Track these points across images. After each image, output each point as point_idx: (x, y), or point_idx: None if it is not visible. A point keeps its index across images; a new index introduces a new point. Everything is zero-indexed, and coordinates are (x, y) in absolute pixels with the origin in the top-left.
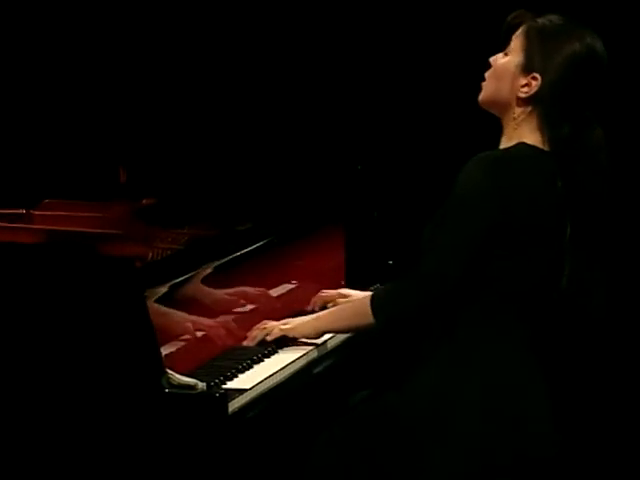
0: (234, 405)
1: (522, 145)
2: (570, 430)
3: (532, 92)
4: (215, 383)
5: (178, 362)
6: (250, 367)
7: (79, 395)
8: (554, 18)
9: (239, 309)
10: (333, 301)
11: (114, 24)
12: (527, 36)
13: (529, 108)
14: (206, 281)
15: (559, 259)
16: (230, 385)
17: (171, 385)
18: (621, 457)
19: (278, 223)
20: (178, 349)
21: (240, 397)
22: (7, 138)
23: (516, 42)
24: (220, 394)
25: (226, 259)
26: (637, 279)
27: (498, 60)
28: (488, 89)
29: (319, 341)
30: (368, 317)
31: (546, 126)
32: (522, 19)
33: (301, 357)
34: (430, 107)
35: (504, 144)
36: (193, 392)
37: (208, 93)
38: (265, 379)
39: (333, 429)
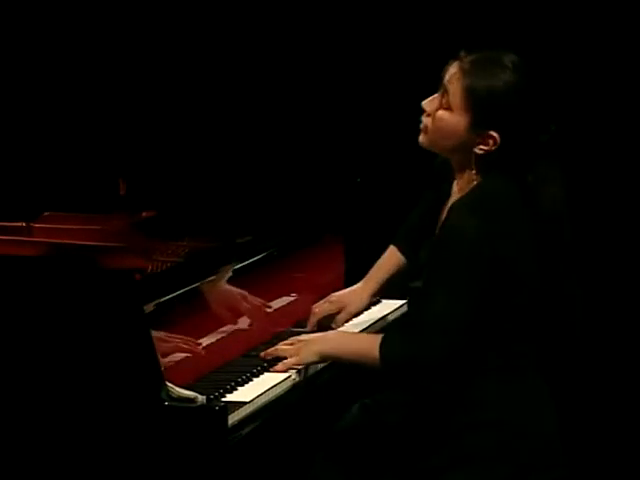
0: (234, 418)
1: (488, 182)
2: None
3: (490, 148)
4: (215, 396)
5: (178, 375)
6: (249, 380)
7: (79, 407)
8: (477, 58)
9: (239, 321)
10: (326, 315)
11: (115, 36)
12: (470, 94)
13: (488, 160)
14: (206, 293)
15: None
16: (230, 398)
17: (171, 398)
18: (622, 464)
19: (278, 235)
20: (178, 362)
21: (240, 410)
22: (7, 151)
23: (455, 98)
24: (220, 407)
25: (226, 272)
26: (637, 279)
27: (440, 114)
28: (433, 141)
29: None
30: (375, 361)
31: (508, 169)
32: (456, 64)
33: (301, 370)
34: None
35: (466, 186)
36: (193, 405)
37: (208, 106)
38: (264, 392)
39: (332, 443)
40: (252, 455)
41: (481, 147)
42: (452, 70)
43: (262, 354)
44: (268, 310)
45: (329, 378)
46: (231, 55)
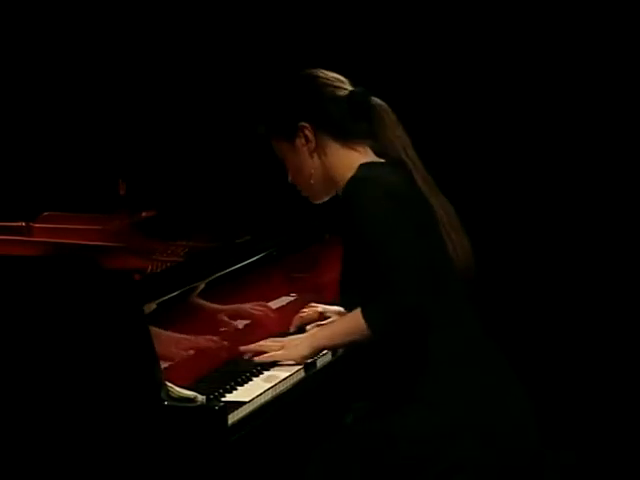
0: (233, 418)
1: (362, 166)
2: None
3: (312, 136)
4: (214, 396)
5: (177, 375)
6: (249, 380)
7: (79, 407)
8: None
9: (238, 321)
10: (311, 321)
11: (115, 37)
12: (267, 130)
13: (326, 147)
14: (205, 293)
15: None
16: (229, 398)
17: (170, 398)
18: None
19: (277, 236)
20: (177, 362)
21: (239, 410)
22: (6, 151)
23: (274, 145)
24: (219, 407)
25: (225, 271)
26: (637, 279)
27: (289, 171)
28: (309, 190)
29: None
30: (363, 330)
31: (346, 142)
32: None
33: (300, 369)
34: (429, 120)
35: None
36: (192, 405)
37: (208, 106)
38: (264, 392)
39: (330, 443)
40: (252, 455)
41: (307, 142)
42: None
43: (243, 348)
44: (267, 310)
45: (328, 378)
46: (231, 55)
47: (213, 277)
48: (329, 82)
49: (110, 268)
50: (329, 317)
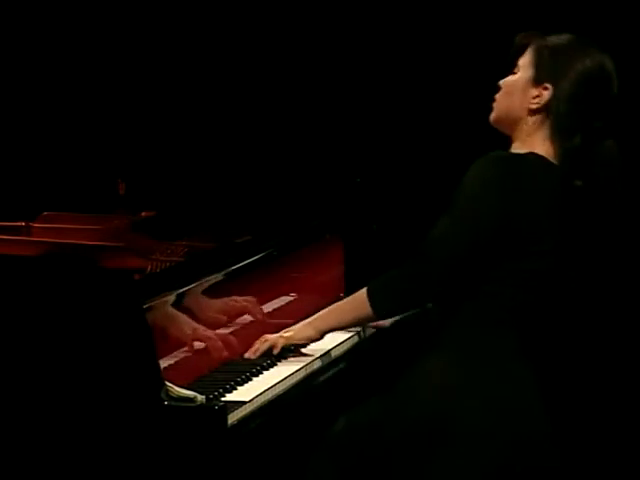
0: (233, 417)
1: (532, 154)
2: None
3: (543, 102)
4: (214, 395)
5: (177, 375)
6: (249, 379)
7: (78, 407)
8: (563, 36)
9: (238, 321)
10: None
11: (115, 37)
12: (536, 52)
13: (540, 118)
14: (205, 294)
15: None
16: (229, 397)
17: (170, 398)
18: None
19: (277, 235)
20: (177, 362)
21: (239, 409)
22: (6, 151)
23: (525, 59)
24: (219, 407)
25: (225, 271)
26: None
27: (508, 79)
28: (499, 107)
29: (317, 353)
30: (367, 310)
31: (557, 136)
32: (530, 40)
33: (300, 369)
34: (429, 120)
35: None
36: (192, 405)
37: (208, 106)
38: (264, 391)
39: (331, 441)
40: (251, 454)
41: (535, 101)
42: (528, 50)
43: (249, 355)
44: (267, 310)
45: (328, 378)
46: (231, 55)
47: (213, 277)
48: (610, 90)
49: (110, 268)
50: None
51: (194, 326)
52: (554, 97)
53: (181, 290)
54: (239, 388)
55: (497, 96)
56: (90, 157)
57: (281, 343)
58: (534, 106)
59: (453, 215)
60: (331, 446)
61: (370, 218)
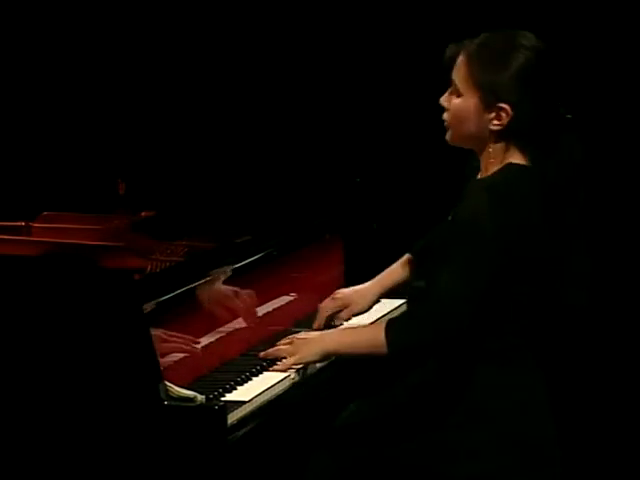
0: (233, 417)
1: (511, 167)
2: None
3: (505, 122)
4: (214, 395)
5: (177, 374)
6: (249, 379)
7: (78, 407)
8: (485, 39)
9: (238, 321)
10: (338, 319)
11: (115, 36)
12: (471, 71)
13: (505, 133)
14: (205, 293)
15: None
16: (229, 397)
17: (170, 398)
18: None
19: (277, 235)
20: (177, 362)
21: (239, 409)
22: (6, 151)
23: (462, 79)
24: (219, 406)
25: (225, 271)
26: (637, 279)
27: (453, 102)
28: (455, 132)
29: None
30: (383, 347)
31: (527, 142)
32: (456, 52)
33: (300, 369)
34: (428, 119)
35: (490, 167)
36: (192, 405)
37: (208, 106)
38: (264, 391)
39: (331, 441)
40: (251, 454)
41: (495, 122)
42: (459, 60)
43: (262, 354)
44: (267, 310)
45: (327, 377)
46: (231, 55)
47: (212, 277)
48: (552, 87)
49: (110, 268)
50: (348, 305)
51: (191, 331)
52: (515, 114)
53: (181, 290)
54: (239, 388)
55: (447, 118)
56: (90, 157)
57: (289, 365)
58: (495, 128)
59: (461, 253)
60: (332, 445)
61: (370, 218)
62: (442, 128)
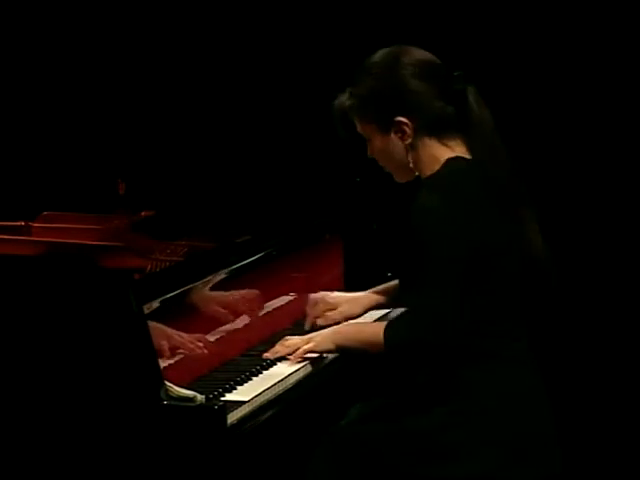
0: (233, 417)
1: (448, 162)
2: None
3: (410, 132)
4: (214, 395)
5: (177, 374)
6: (248, 379)
7: (77, 407)
8: (354, 87)
9: (238, 321)
10: (323, 316)
11: (115, 36)
12: (357, 112)
13: (420, 140)
14: (205, 293)
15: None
16: (229, 397)
17: (170, 397)
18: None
19: (277, 235)
20: (177, 361)
21: (239, 409)
22: (6, 151)
23: (360, 127)
24: (219, 406)
25: (225, 271)
26: (637, 279)
27: (370, 149)
28: (394, 171)
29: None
30: (381, 347)
31: (443, 132)
32: (342, 105)
33: (299, 369)
34: None
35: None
36: (192, 404)
37: (208, 106)
38: (263, 391)
39: (331, 441)
40: (251, 454)
41: (404, 137)
42: (349, 115)
43: (267, 354)
44: (267, 309)
45: (328, 378)
46: (231, 55)
47: (213, 276)
48: (433, 70)
49: (110, 268)
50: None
51: (191, 331)
52: (414, 119)
53: (181, 290)
54: (239, 388)
55: (382, 164)
56: (90, 157)
57: (300, 355)
58: (408, 141)
59: (432, 256)
60: (332, 445)
61: (370, 218)
62: None
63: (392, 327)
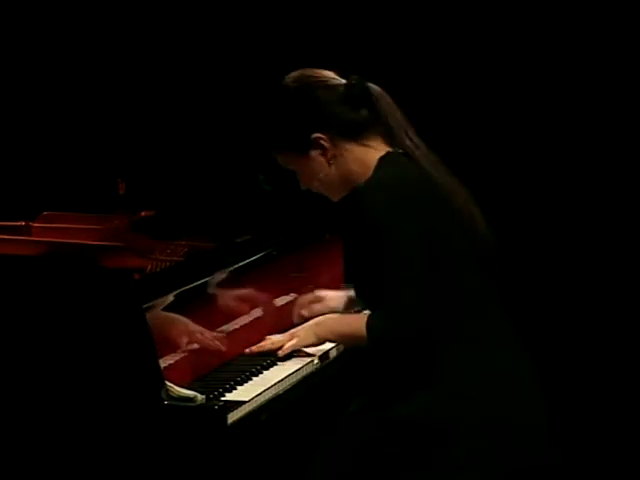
0: (233, 417)
1: (383, 160)
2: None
3: (329, 145)
4: (214, 395)
5: (177, 374)
6: (249, 379)
7: (78, 407)
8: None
9: (238, 321)
10: (308, 308)
11: (115, 36)
12: (271, 148)
13: (341, 151)
14: (205, 293)
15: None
16: (229, 397)
17: (170, 397)
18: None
19: (277, 235)
20: (177, 361)
21: (239, 409)
22: (6, 151)
23: (279, 159)
24: (219, 406)
25: (225, 271)
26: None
27: (301, 180)
28: (329, 192)
29: (317, 353)
30: (363, 332)
31: (359, 140)
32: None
33: (299, 369)
34: (428, 119)
35: (362, 178)
36: (192, 404)
37: (208, 106)
38: (263, 391)
39: (331, 440)
40: (251, 454)
41: (323, 152)
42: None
43: (252, 349)
44: (267, 309)
45: (328, 377)
46: (230, 55)
47: (212, 277)
48: (325, 82)
49: (110, 268)
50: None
51: (191, 331)
52: (326, 134)
53: (181, 290)
54: (239, 388)
55: (317, 190)
56: (90, 157)
57: (287, 351)
58: (330, 154)
59: (388, 253)
60: (332, 445)
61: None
62: (443, 128)
63: (372, 320)
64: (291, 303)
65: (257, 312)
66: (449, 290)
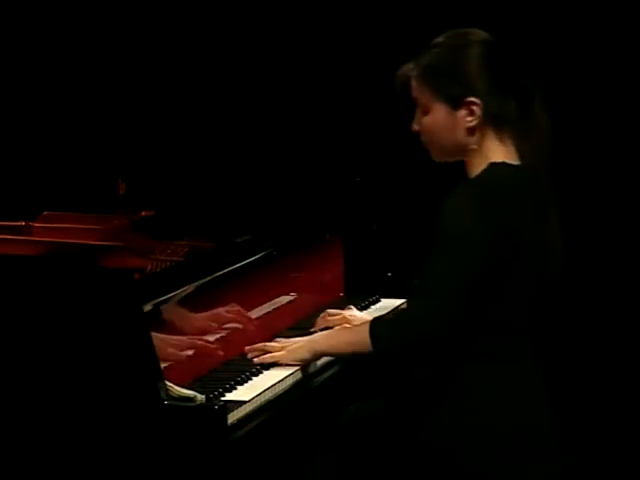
0: (233, 417)
1: (494, 167)
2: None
3: (479, 114)
4: (214, 395)
5: (177, 374)
6: (249, 379)
7: (78, 407)
8: (430, 52)
9: (238, 321)
10: (325, 316)
11: (115, 36)
12: (426, 80)
13: (481, 129)
14: (205, 293)
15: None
16: (229, 397)
17: (170, 397)
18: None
19: (277, 235)
20: (177, 361)
21: (239, 409)
22: (6, 151)
23: (424, 96)
24: (219, 406)
25: (225, 271)
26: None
27: (424, 121)
28: (436, 147)
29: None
30: (367, 346)
31: (504, 130)
32: (406, 78)
33: (300, 369)
34: None
35: (473, 168)
36: (192, 404)
37: (208, 106)
38: (264, 391)
39: (331, 442)
40: (251, 454)
41: (468, 119)
42: (413, 82)
43: (247, 348)
44: (267, 309)
45: (328, 377)
46: (230, 55)
47: (213, 277)
48: (513, 69)
49: (110, 268)
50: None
51: (191, 331)
52: (485, 105)
53: (181, 290)
54: (239, 388)
55: (425, 139)
56: (90, 157)
57: (267, 361)
58: (471, 124)
59: (445, 251)
60: (332, 445)
61: (370, 218)
62: None
63: (379, 329)
64: (291, 304)
65: (257, 312)
66: (489, 309)
